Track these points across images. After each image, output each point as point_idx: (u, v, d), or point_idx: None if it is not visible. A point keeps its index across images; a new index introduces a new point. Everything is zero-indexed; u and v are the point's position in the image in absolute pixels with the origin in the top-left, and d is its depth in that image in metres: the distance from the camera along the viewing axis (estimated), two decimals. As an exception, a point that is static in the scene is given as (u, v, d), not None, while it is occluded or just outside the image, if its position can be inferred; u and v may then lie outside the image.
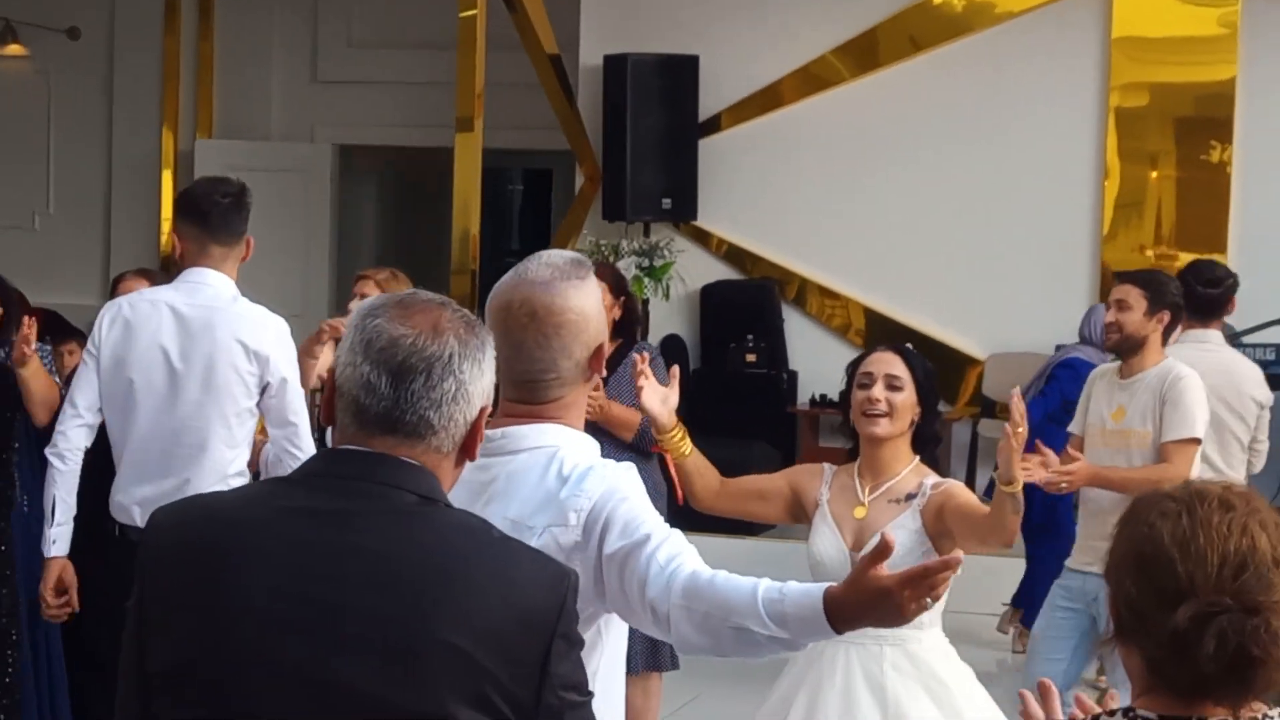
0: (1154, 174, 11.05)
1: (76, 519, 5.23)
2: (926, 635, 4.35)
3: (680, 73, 11.46)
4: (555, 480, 2.86)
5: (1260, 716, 2.20)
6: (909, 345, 4.70)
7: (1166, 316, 6.02)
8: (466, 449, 2.32)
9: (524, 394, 2.94)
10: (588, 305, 2.96)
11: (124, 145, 14.78)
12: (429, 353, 2.24)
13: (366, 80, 14.17)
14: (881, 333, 10.96)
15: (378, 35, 14.25)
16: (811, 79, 11.48)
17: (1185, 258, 10.71)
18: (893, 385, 4.42)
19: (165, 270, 14.22)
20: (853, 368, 4.58)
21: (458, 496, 2.56)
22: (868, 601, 2.57)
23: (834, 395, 11.14)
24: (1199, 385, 5.92)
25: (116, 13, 14.71)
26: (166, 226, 14.62)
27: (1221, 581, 2.11)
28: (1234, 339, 9.84)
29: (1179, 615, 2.10)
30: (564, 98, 11.76)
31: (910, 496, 4.42)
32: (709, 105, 11.57)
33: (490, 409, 2.35)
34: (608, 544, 2.79)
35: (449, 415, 2.25)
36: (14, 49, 14.76)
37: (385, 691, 2.12)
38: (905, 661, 4.29)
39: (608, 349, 3.06)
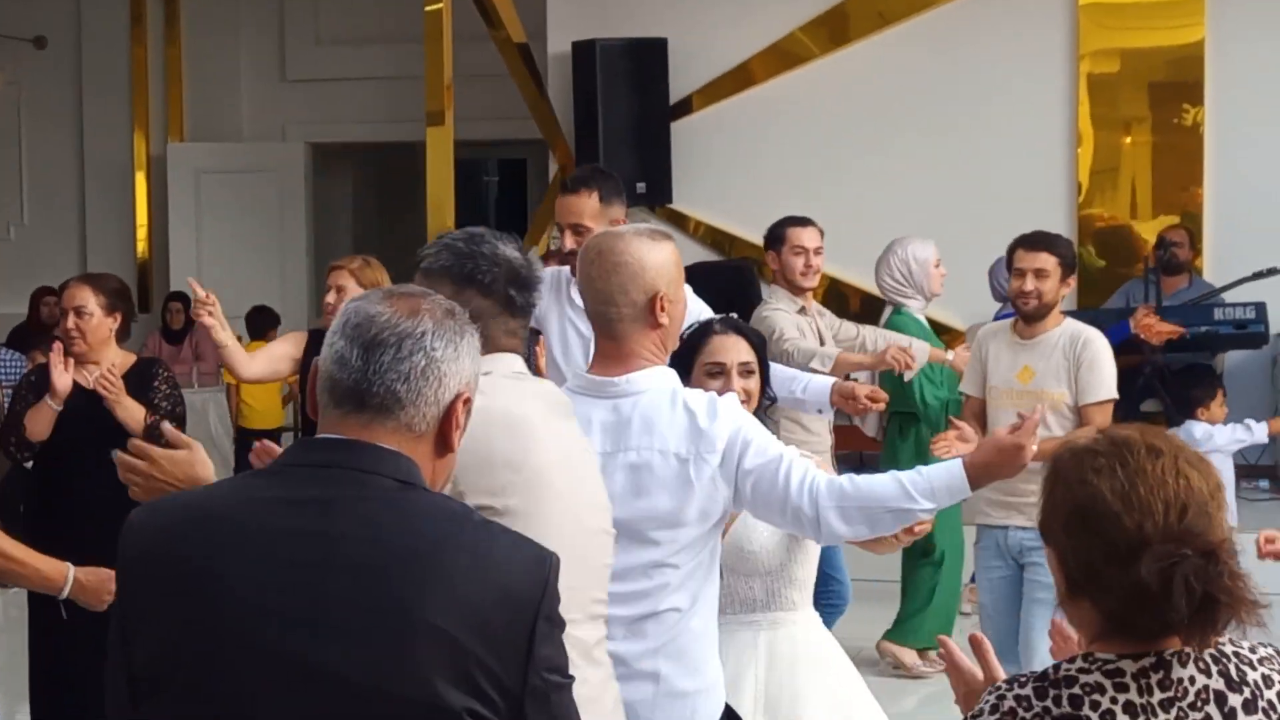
0: (1127, 139, 11.07)
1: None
2: (800, 615, 4.29)
3: (649, 56, 11.44)
4: (685, 414, 3.44)
5: (1218, 651, 2.22)
6: (734, 315, 4.45)
7: (1072, 280, 6.09)
8: (444, 436, 2.29)
9: (603, 331, 3.52)
10: (646, 256, 3.48)
11: (96, 151, 14.73)
12: (401, 328, 2.25)
13: (336, 77, 14.12)
14: (860, 308, 10.97)
15: (345, 32, 14.21)
16: (782, 56, 11.48)
17: (1164, 221, 10.76)
18: (746, 371, 4.15)
19: (144, 274, 14.26)
20: (690, 349, 4.09)
21: (600, 440, 3.38)
22: (1000, 460, 3.46)
23: (816, 372, 11.22)
24: (1108, 344, 6.02)
25: (83, 20, 14.65)
26: (142, 232, 14.60)
27: (1169, 526, 2.12)
28: (1212, 295, 9.86)
29: (1141, 568, 2.11)
30: (534, 86, 11.74)
31: None
32: (680, 87, 11.56)
33: (470, 399, 2.31)
34: (746, 461, 3.43)
35: (417, 390, 2.24)
36: (-19, 60, 14.71)
37: (372, 677, 2.11)
38: (784, 645, 4.21)
39: (681, 312, 3.58)
